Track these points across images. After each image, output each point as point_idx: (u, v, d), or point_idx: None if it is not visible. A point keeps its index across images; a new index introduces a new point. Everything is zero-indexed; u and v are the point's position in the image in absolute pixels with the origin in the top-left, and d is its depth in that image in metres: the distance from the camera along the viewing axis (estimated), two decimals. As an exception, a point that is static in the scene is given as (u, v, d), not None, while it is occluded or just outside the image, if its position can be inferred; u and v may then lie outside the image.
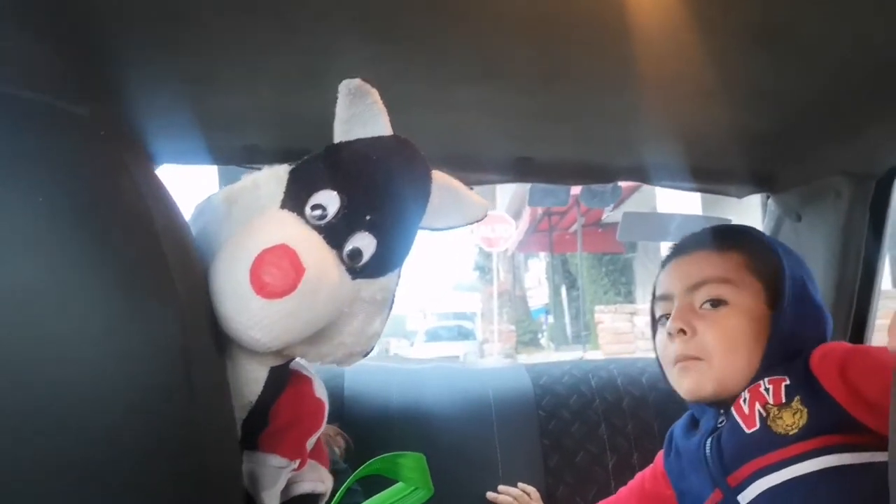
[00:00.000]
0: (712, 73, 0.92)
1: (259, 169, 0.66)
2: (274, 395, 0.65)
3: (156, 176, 0.51)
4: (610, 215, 7.68)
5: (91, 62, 0.78)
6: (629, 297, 11.55)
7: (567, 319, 13.30)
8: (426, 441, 1.23)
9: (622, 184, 1.42)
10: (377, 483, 0.69)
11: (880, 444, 0.64)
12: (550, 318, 14.57)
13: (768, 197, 1.37)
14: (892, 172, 1.17)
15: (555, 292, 13.96)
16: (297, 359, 0.67)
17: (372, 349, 0.67)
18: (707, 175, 1.33)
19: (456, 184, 0.69)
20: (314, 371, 0.73)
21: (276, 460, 0.64)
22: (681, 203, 5.36)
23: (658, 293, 0.98)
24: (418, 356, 13.92)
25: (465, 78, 0.92)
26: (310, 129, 0.75)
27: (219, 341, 0.55)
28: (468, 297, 20.93)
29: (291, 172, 0.62)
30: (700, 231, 1.02)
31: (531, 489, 1.24)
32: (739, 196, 1.39)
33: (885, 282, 1.36)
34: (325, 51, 0.83)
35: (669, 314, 0.94)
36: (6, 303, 0.38)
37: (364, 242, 0.61)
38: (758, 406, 0.83)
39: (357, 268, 0.61)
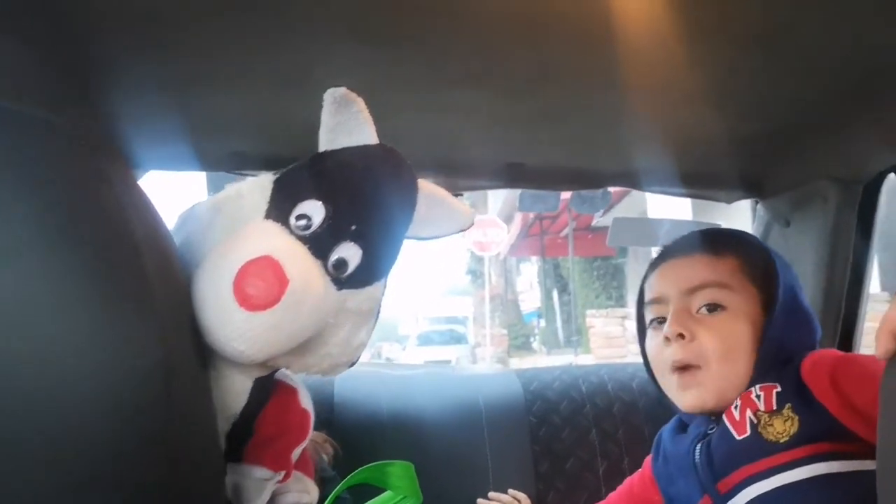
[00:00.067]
0: (702, 78, 0.92)
1: (247, 175, 0.65)
2: (259, 407, 0.64)
3: (137, 185, 0.50)
4: (601, 220, 7.70)
5: (73, 69, 0.77)
6: (620, 301, 11.57)
7: (559, 323, 13.30)
8: (416, 447, 1.23)
9: (612, 189, 1.42)
10: (366, 491, 0.68)
11: (870, 452, 0.64)
12: (542, 322, 14.58)
13: (757, 202, 1.37)
14: (879, 178, 1.17)
15: (546, 296, 13.96)
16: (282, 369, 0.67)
17: (358, 359, 0.67)
18: (696, 180, 1.33)
19: (442, 193, 0.69)
20: (301, 379, 0.72)
21: (260, 472, 0.63)
22: (671, 208, 5.37)
23: (650, 296, 0.96)
24: (410, 360, 13.89)
25: (454, 82, 0.91)
26: (298, 136, 0.75)
27: (201, 352, 0.54)
28: (460, 301, 20.92)
29: (276, 182, 0.62)
30: (692, 233, 1.01)
31: (522, 496, 1.23)
32: (729, 201, 1.39)
33: (873, 285, 1.36)
34: (313, 56, 0.83)
35: (662, 317, 0.93)
36: None
37: (349, 252, 0.60)
38: (749, 413, 0.83)
39: (342, 278, 0.60)
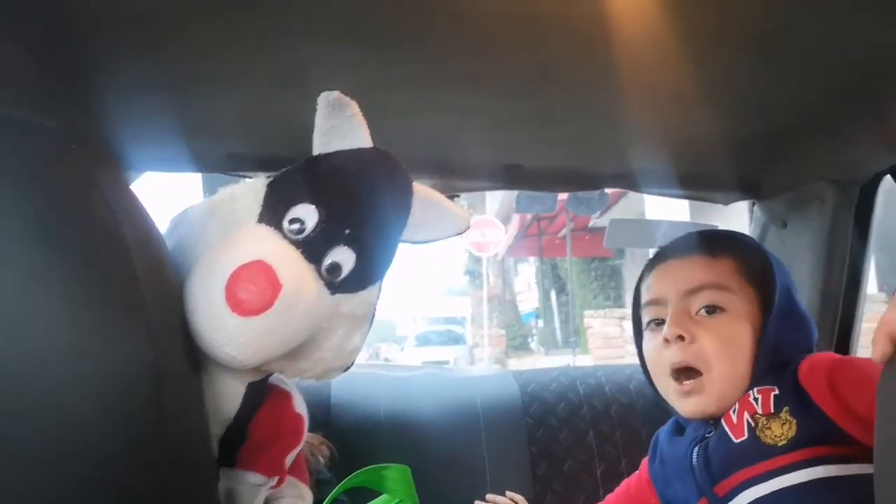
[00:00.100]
0: (698, 80, 0.91)
1: (244, 177, 0.65)
2: (252, 411, 0.64)
3: (129, 189, 0.50)
4: (599, 220, 7.70)
5: (70, 71, 0.77)
6: (618, 302, 11.57)
7: (557, 324, 13.30)
8: (413, 450, 1.22)
9: (609, 190, 1.42)
10: (363, 494, 0.68)
11: (868, 455, 0.63)
12: (540, 323, 14.57)
13: (754, 203, 1.37)
14: (875, 179, 1.17)
15: (544, 296, 13.96)
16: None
17: (352, 364, 0.66)
18: (693, 181, 1.33)
19: (437, 196, 0.68)
20: (297, 381, 0.72)
21: (254, 478, 0.63)
22: (669, 210, 5.37)
23: (648, 297, 0.95)
24: (408, 361, 13.88)
25: (451, 83, 0.91)
26: (296, 137, 0.75)
27: (193, 357, 0.54)
28: (458, 302, 20.90)
29: (269, 185, 0.62)
30: (688, 235, 1.00)
31: (519, 498, 1.23)
32: (725, 203, 1.39)
33: (871, 286, 1.36)
34: (311, 57, 0.83)
35: (660, 319, 0.92)
36: None
37: (343, 257, 0.60)
38: (746, 416, 0.82)
39: (336, 282, 0.60)
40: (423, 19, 0.75)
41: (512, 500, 1.22)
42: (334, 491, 0.65)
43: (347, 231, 0.60)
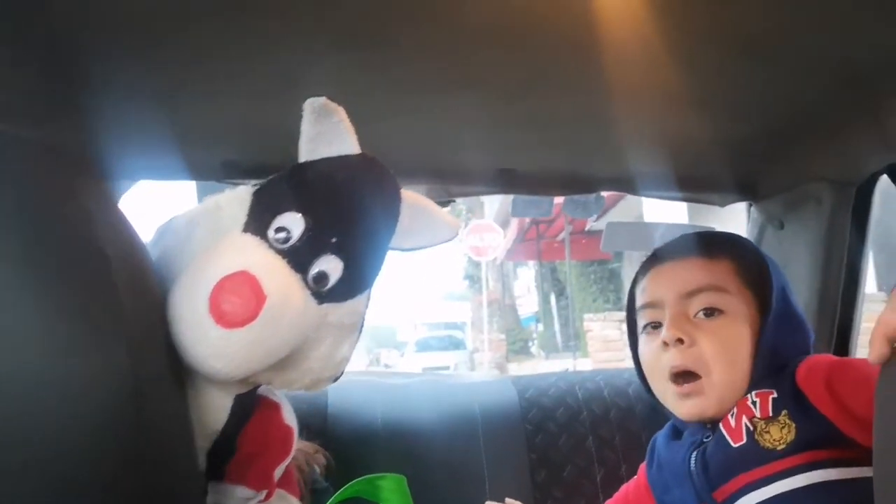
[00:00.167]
0: (693, 81, 0.91)
1: (239, 185, 0.64)
2: (240, 424, 0.63)
3: (110, 199, 0.49)
4: (597, 224, 7.70)
5: (59, 80, 0.76)
6: (618, 305, 11.55)
7: (557, 327, 13.29)
8: (412, 457, 1.22)
9: (606, 193, 1.41)
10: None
11: (868, 458, 0.63)
12: (540, 327, 14.56)
13: (751, 205, 1.37)
14: (872, 179, 1.16)
15: (544, 300, 13.96)
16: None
17: (342, 374, 0.65)
18: (689, 183, 1.33)
19: (426, 202, 0.68)
20: (283, 395, 0.71)
21: (242, 492, 0.62)
22: (667, 212, 5.36)
23: (644, 300, 0.94)
24: (409, 366, 13.88)
25: (445, 88, 0.91)
26: (289, 145, 0.74)
27: (177, 369, 0.53)
28: (458, 307, 20.90)
29: (255, 194, 0.61)
30: (683, 236, 0.99)
31: (519, 505, 1.22)
32: (722, 204, 1.38)
33: (870, 285, 1.36)
34: (303, 63, 0.82)
35: (657, 322, 0.91)
36: None
37: (330, 265, 0.59)
38: (745, 419, 0.81)
39: (323, 292, 0.59)
40: (415, 25, 0.75)
41: (511, 507, 1.21)
42: (330, 501, 0.64)
43: (334, 239, 0.59)
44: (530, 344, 15.15)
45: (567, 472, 1.27)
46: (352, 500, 0.68)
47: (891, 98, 0.95)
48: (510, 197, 1.47)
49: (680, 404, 0.88)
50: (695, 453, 0.86)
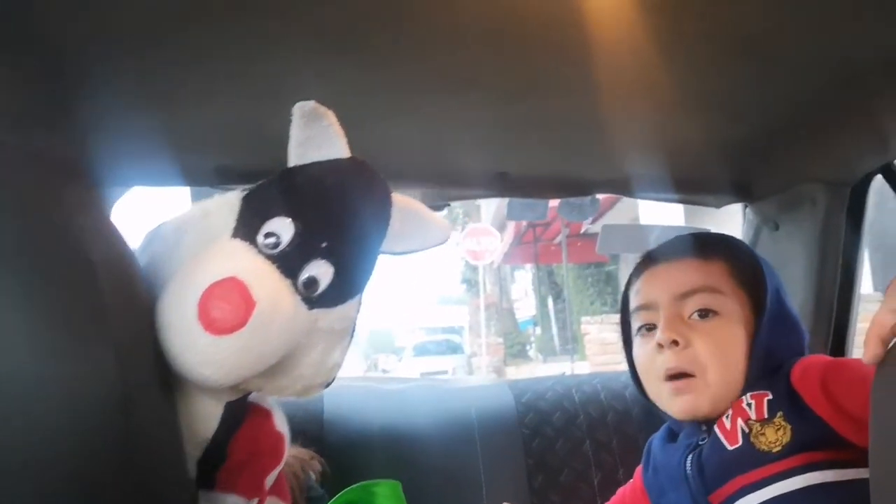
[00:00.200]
0: (687, 83, 0.91)
1: (232, 190, 0.63)
2: (231, 431, 0.62)
3: (97, 205, 0.49)
4: (594, 226, 7.71)
5: (51, 87, 0.76)
6: (615, 307, 11.45)
7: (555, 330, 13.29)
8: (409, 463, 1.21)
9: (602, 196, 1.41)
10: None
11: (865, 459, 0.62)
12: (538, 330, 14.55)
13: (746, 206, 1.37)
14: (866, 179, 1.16)
15: (541, 303, 13.95)
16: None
17: (333, 380, 0.65)
18: (684, 185, 1.32)
19: (417, 206, 0.67)
20: (276, 401, 0.70)
21: (233, 500, 0.61)
22: (663, 215, 5.36)
23: (638, 302, 0.93)
24: (407, 371, 13.87)
25: (439, 92, 0.91)
26: (283, 149, 0.74)
27: (165, 377, 0.53)
28: (456, 311, 20.89)
29: (244, 199, 0.60)
30: (677, 238, 0.98)
31: (516, 510, 1.21)
32: (717, 206, 1.39)
33: (866, 285, 1.36)
34: (296, 67, 0.82)
35: (651, 324, 0.90)
36: None
37: (320, 270, 0.58)
38: (740, 422, 0.81)
39: (313, 297, 0.58)
40: (409, 28, 0.75)
41: (508, 512, 1.21)
42: (326, 508, 0.63)
43: (324, 244, 0.58)
44: (528, 347, 15.14)
45: (564, 476, 1.27)
46: None
47: (884, 98, 0.95)
48: (506, 200, 1.47)
49: (673, 402, 0.87)
50: (690, 456, 0.85)
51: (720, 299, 0.87)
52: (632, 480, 1.02)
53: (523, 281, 17.32)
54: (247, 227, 0.58)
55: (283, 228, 0.58)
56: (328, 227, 0.59)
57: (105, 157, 1.02)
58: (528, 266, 15.00)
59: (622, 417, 1.32)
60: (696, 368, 0.85)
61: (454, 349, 16.13)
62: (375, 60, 0.82)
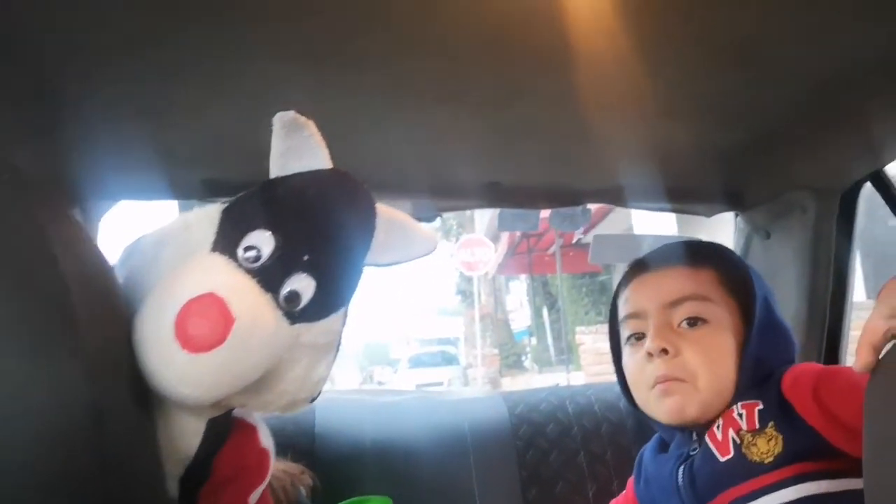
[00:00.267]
0: (677, 91, 0.91)
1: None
2: (214, 448, 0.61)
3: (71, 221, 0.47)
4: (587, 236, 7.72)
5: (36, 103, 0.75)
6: (610, 317, 11.51)
7: (550, 341, 13.26)
8: (401, 476, 1.20)
9: (595, 206, 1.41)
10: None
11: (858, 469, 0.62)
12: (534, 341, 14.52)
13: (737, 215, 1.36)
14: (856, 186, 1.16)
15: (536, 314, 13.93)
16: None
17: (319, 394, 0.63)
18: (674, 194, 1.32)
19: (402, 217, 0.66)
20: (260, 417, 0.69)
21: None
22: (656, 224, 5.36)
23: (627, 311, 0.93)
24: (402, 383, 13.83)
25: (426, 103, 0.91)
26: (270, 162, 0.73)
27: (142, 394, 0.51)
28: (451, 322, 20.86)
29: (224, 211, 0.59)
30: (666, 246, 0.98)
31: (510, 524, 1.20)
32: (708, 215, 1.38)
33: (859, 293, 1.36)
34: (281, 80, 0.82)
35: (640, 333, 0.90)
36: None
37: (302, 284, 0.57)
38: (731, 432, 0.80)
39: (295, 312, 0.57)
40: (396, 39, 0.74)
41: (501, 526, 1.19)
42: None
43: (306, 257, 0.57)
44: (524, 358, 15.10)
45: (559, 488, 1.26)
46: None
47: (873, 106, 0.95)
48: (497, 211, 1.47)
49: (660, 404, 0.86)
50: (682, 467, 0.84)
51: (709, 307, 0.86)
52: (624, 492, 1.02)
53: (518, 291, 17.31)
54: (226, 240, 0.57)
55: (263, 241, 0.57)
56: (309, 239, 0.58)
57: (91, 171, 1.02)
58: (523, 276, 14.99)
59: (616, 429, 1.31)
60: (685, 376, 0.84)
61: (450, 360, 16.11)
62: (363, 72, 0.81)
